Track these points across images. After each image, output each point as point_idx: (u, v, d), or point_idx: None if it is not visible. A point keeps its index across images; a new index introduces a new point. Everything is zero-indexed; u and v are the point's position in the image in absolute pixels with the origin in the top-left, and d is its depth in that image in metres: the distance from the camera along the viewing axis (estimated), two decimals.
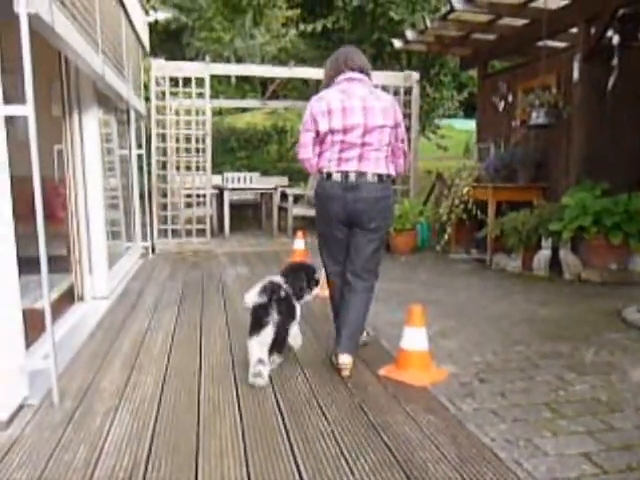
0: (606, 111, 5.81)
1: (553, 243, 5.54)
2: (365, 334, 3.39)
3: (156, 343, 3.52)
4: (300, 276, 3.21)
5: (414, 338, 2.93)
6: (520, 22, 6.53)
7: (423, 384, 2.84)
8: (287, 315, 2.97)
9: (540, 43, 6.12)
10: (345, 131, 2.95)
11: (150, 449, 2.20)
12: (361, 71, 3.08)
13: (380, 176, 3.01)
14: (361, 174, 2.97)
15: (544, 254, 5.58)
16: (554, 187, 6.17)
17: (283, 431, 2.35)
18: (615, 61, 5.56)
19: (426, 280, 5.52)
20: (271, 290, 2.95)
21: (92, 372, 3.01)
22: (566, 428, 2.40)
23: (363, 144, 2.97)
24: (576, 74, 5.79)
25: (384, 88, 7.84)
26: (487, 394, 2.75)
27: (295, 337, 3.22)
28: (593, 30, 5.61)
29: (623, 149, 5.94)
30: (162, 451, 2.18)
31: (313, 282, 3.26)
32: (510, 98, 7.08)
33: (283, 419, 2.46)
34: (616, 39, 5.46)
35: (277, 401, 2.64)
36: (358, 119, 2.94)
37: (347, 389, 2.79)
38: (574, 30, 5.98)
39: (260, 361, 2.83)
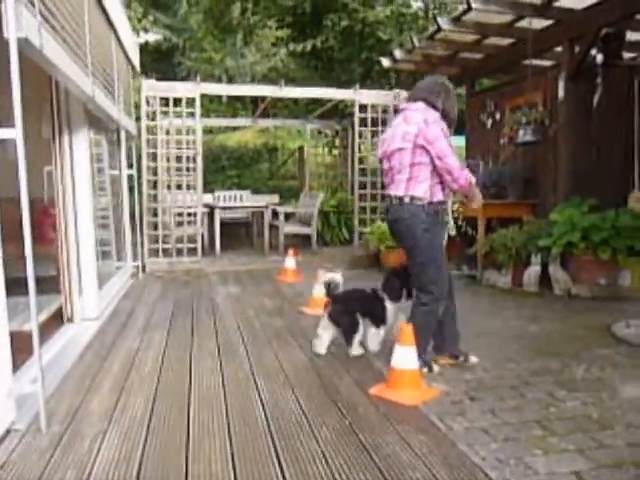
0: (592, 128, 5.91)
1: (543, 259, 5.58)
2: (425, 366, 3.27)
3: (146, 364, 3.49)
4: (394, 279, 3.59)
5: (405, 357, 2.92)
6: (506, 41, 6.65)
7: (414, 403, 2.83)
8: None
9: (526, 62, 6.22)
10: (381, 160, 3.34)
11: (139, 473, 2.17)
12: (415, 100, 3.24)
13: (400, 198, 3.18)
14: (389, 197, 3.27)
15: (534, 270, 5.61)
16: (543, 203, 6.23)
17: (273, 453, 2.33)
18: (599, 80, 5.67)
19: None
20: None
21: (81, 394, 2.98)
22: (557, 446, 2.39)
23: (390, 168, 3.25)
24: (561, 92, 5.89)
25: (373, 107, 7.94)
26: (478, 412, 2.75)
27: (372, 338, 3.58)
28: (577, 49, 5.72)
29: (609, 165, 6.02)
30: (151, 475, 2.16)
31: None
32: (498, 116, 7.18)
33: (273, 441, 2.44)
34: (600, 58, 5.58)
35: (267, 423, 2.63)
36: (385, 146, 3.28)
37: (338, 410, 2.78)
38: (559, 49, 6.09)
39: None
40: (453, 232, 3.45)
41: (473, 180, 3.18)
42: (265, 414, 2.72)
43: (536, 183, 6.44)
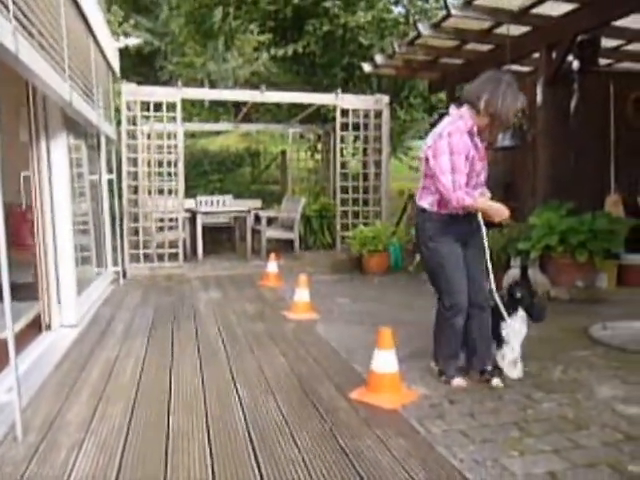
0: (569, 133, 6.00)
1: (522, 262, 5.64)
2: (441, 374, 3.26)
3: (125, 372, 3.46)
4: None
5: (384, 360, 2.94)
6: (485, 47, 6.74)
7: (394, 406, 2.85)
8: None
9: (505, 68, 6.30)
10: None
11: None
12: (461, 103, 3.14)
13: (417, 206, 3.24)
14: None
15: (513, 273, 5.67)
16: (522, 207, 6.30)
17: (253, 459, 2.32)
18: (576, 85, 5.76)
19: (399, 301, 5.56)
20: None
21: (58, 404, 2.95)
22: (533, 447, 2.43)
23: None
24: (539, 98, 5.98)
25: (355, 111, 7.98)
26: (457, 415, 2.77)
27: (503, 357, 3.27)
28: (554, 55, 5.81)
29: (586, 169, 6.13)
30: None
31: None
32: None
33: (253, 447, 2.43)
34: (576, 64, 5.67)
35: (248, 428, 2.62)
36: None
37: (318, 414, 2.78)
38: (537, 55, 6.18)
39: None
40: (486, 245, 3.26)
41: (467, 202, 2.98)
42: (245, 419, 2.71)
43: (515, 187, 6.52)
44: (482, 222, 3.16)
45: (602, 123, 6.29)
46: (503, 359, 3.23)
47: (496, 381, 3.15)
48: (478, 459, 2.32)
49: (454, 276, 3.12)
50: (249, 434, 2.56)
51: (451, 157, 2.97)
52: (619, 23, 5.51)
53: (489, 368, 3.21)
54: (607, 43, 6.14)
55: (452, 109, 3.16)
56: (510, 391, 3.07)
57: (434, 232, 3.13)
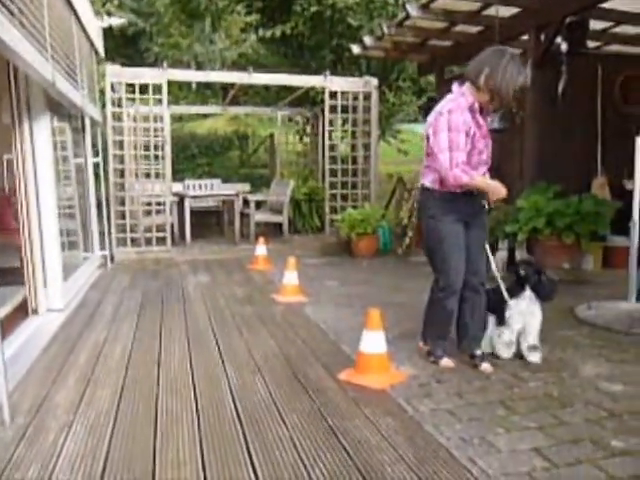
0: (557, 116, 6.01)
1: (509, 244, 5.69)
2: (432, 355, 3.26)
3: (113, 355, 3.45)
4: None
5: (373, 341, 2.96)
6: (474, 29, 6.71)
7: (382, 387, 2.87)
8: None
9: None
10: None
11: (105, 464, 2.16)
12: (463, 81, 3.07)
13: (420, 184, 3.24)
14: None
15: (501, 255, 5.71)
16: (509, 190, 6.31)
17: (242, 439, 2.34)
18: (564, 68, 5.76)
19: (388, 283, 5.58)
20: None
21: (46, 387, 2.93)
22: (519, 424, 2.46)
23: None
24: (528, 80, 5.95)
25: (344, 94, 7.92)
26: (444, 394, 2.80)
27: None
28: (543, 37, 5.80)
29: (574, 152, 6.15)
30: (117, 466, 2.15)
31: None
32: None
33: (242, 427, 2.45)
34: (564, 46, 5.66)
35: (236, 409, 2.63)
36: None
37: (307, 395, 2.80)
38: (525, 37, 6.17)
39: None
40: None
41: (464, 180, 2.95)
42: (234, 401, 2.72)
43: (503, 170, 6.52)
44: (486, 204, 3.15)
45: (590, 106, 6.30)
46: (499, 337, 3.23)
47: (485, 366, 3.14)
48: (465, 437, 2.35)
49: (451, 256, 3.10)
50: (238, 415, 2.57)
51: (449, 134, 2.94)
52: (608, 5, 5.50)
53: (478, 352, 3.21)
54: (596, 25, 6.14)
55: (454, 86, 3.10)
56: (497, 370, 3.10)
57: (435, 211, 3.11)
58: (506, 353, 3.24)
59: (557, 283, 3.29)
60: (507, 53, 2.99)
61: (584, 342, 3.61)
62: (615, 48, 6.93)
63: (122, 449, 2.27)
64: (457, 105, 2.99)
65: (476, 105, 3.03)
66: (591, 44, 6.48)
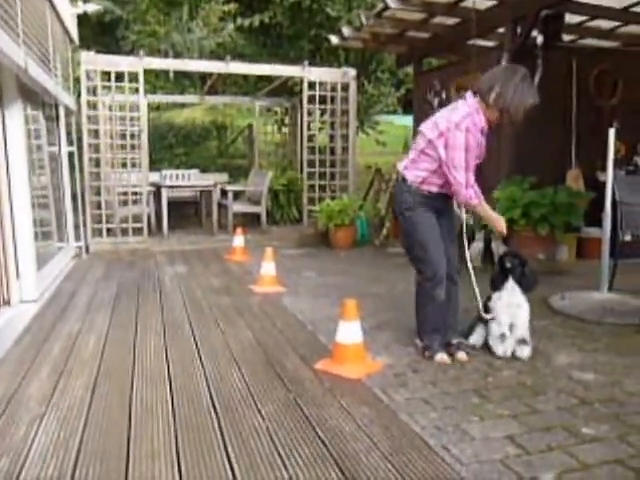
0: (532, 108, 6.05)
1: (485, 235, 5.75)
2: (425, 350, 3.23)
3: (88, 346, 3.40)
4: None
5: (349, 331, 2.96)
6: (452, 21, 6.72)
7: (358, 376, 2.88)
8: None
9: (471, 42, 6.31)
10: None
11: (77, 456, 2.13)
12: (475, 93, 3.04)
13: (400, 175, 3.19)
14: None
15: (477, 246, 5.77)
16: (486, 182, 6.38)
17: (217, 429, 2.33)
18: (539, 61, 5.81)
19: (365, 274, 5.60)
20: None
21: (17, 379, 2.88)
22: (492, 412, 2.50)
23: (414, 143, 3.24)
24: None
25: (322, 84, 7.89)
26: (419, 383, 2.83)
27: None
28: (519, 30, 5.84)
29: (549, 144, 6.22)
30: (90, 457, 2.12)
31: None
32: (444, 95, 7.27)
33: (217, 417, 2.44)
34: (540, 39, 5.71)
35: (212, 399, 2.62)
36: (423, 123, 3.17)
37: (283, 385, 2.80)
38: (502, 30, 6.20)
39: None
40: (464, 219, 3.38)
41: (474, 202, 3.06)
42: (210, 391, 2.71)
43: (480, 162, 6.58)
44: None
45: (565, 99, 6.37)
46: (490, 334, 3.23)
47: (461, 354, 3.17)
48: (439, 425, 2.38)
49: (432, 246, 3.12)
50: (213, 405, 2.56)
51: (466, 154, 2.95)
52: None
53: (454, 341, 3.24)
54: (571, 19, 6.20)
55: (468, 97, 3.04)
56: (472, 360, 3.14)
57: (412, 204, 3.13)
58: (500, 349, 3.16)
59: (537, 275, 3.31)
60: (519, 72, 3.00)
61: (558, 332, 3.67)
62: (590, 42, 7.01)
63: (95, 441, 2.25)
64: (473, 124, 2.97)
65: (486, 126, 3.05)
66: (566, 38, 6.57)
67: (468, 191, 3.02)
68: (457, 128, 2.94)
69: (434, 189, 3.12)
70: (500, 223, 3.15)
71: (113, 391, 2.73)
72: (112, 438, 2.27)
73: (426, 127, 3.10)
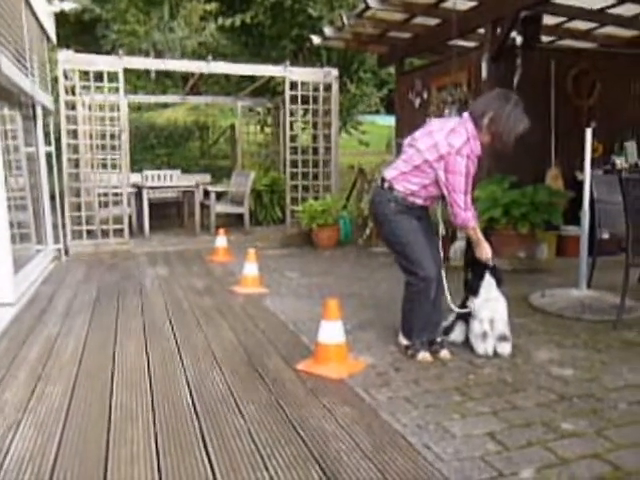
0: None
1: (467, 235, 5.78)
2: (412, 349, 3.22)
3: (66, 350, 3.36)
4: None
5: (331, 331, 2.96)
6: (433, 22, 6.75)
7: (340, 376, 2.88)
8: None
9: (451, 42, 6.35)
10: (406, 142, 3.32)
11: (55, 462, 2.10)
12: (470, 114, 3.08)
13: (383, 179, 3.21)
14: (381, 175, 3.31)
15: (459, 245, 5.80)
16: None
17: (198, 432, 2.31)
18: (519, 61, 5.87)
19: (348, 274, 5.60)
20: None
21: None
22: (473, 410, 2.51)
23: (402, 153, 3.26)
24: (484, 73, 6.06)
25: (304, 84, 7.88)
26: (402, 382, 2.83)
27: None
28: (498, 31, 5.89)
29: (528, 144, 6.24)
30: (68, 463, 2.09)
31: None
32: (425, 95, 7.31)
33: (198, 419, 2.42)
34: (519, 40, 5.77)
35: (193, 401, 2.60)
36: (416, 136, 3.22)
37: (265, 386, 2.78)
38: (482, 31, 6.25)
39: None
40: (443, 232, 3.43)
41: (472, 224, 3.12)
42: (191, 394, 2.69)
43: None
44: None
45: (543, 99, 6.44)
46: (471, 332, 3.24)
47: (444, 352, 3.18)
48: (421, 423, 2.38)
49: (421, 248, 3.14)
50: (194, 407, 2.54)
51: (466, 179, 2.99)
52: (560, 0, 5.64)
53: (438, 339, 3.26)
54: (549, 20, 6.28)
55: (466, 119, 3.06)
56: (454, 358, 3.16)
57: (397, 210, 3.15)
58: (482, 347, 3.17)
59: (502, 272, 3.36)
60: (512, 99, 3.05)
61: (538, 329, 3.71)
62: (568, 43, 7.10)
63: (73, 446, 2.21)
64: (471, 150, 3.01)
65: (480, 155, 3.08)
66: (545, 39, 6.65)
67: (467, 214, 3.06)
68: (458, 154, 2.97)
69: (419, 201, 3.17)
70: (487, 251, 3.21)
71: (92, 395, 2.70)
72: (91, 442, 2.24)
73: (425, 146, 3.07)
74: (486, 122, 3.00)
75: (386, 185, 3.18)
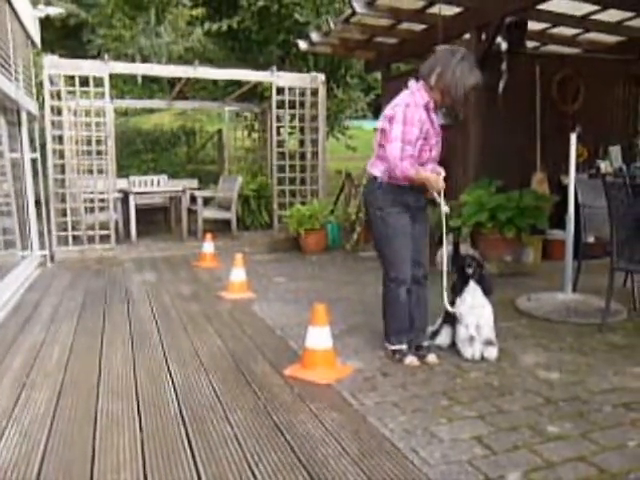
0: (498, 113, 6.18)
1: (454, 239, 5.80)
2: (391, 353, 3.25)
3: (51, 357, 3.32)
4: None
5: (318, 337, 2.96)
6: (419, 27, 6.80)
7: (328, 381, 2.88)
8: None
9: (437, 47, 6.38)
10: None
11: (40, 470, 2.07)
12: (417, 79, 3.08)
13: (368, 174, 3.24)
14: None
15: (446, 250, 5.83)
16: (453, 185, 6.46)
17: (185, 439, 2.29)
18: (504, 66, 5.93)
19: (336, 278, 5.61)
20: None
21: None
22: (460, 414, 2.52)
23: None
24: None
25: (291, 89, 7.89)
26: (389, 387, 2.84)
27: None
28: (484, 37, 5.94)
29: (514, 148, 6.34)
30: (53, 472, 2.07)
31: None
32: None
33: (185, 427, 2.40)
34: (504, 45, 5.83)
35: (180, 408, 2.58)
36: None
37: (252, 391, 2.77)
38: (467, 36, 6.30)
39: None
40: (447, 209, 3.24)
41: (411, 172, 2.98)
42: (177, 400, 2.67)
43: (447, 166, 6.66)
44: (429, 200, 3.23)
45: (529, 104, 6.51)
46: (458, 337, 3.24)
47: (432, 357, 3.19)
48: (408, 428, 2.39)
49: (399, 248, 3.14)
50: (181, 414, 2.52)
51: (404, 127, 2.97)
52: (545, 7, 5.70)
53: (425, 344, 3.27)
54: (534, 26, 6.34)
55: (411, 82, 3.12)
56: (441, 362, 3.16)
57: (383, 202, 3.13)
58: (469, 351, 3.18)
59: (493, 281, 3.35)
60: (459, 53, 3.03)
61: (524, 332, 3.74)
62: (553, 48, 7.18)
63: (58, 454, 2.19)
64: (414, 101, 3.03)
65: (431, 104, 3.07)
66: (530, 44, 6.72)
67: (402, 162, 2.97)
68: (397, 106, 3.03)
69: (400, 180, 3.10)
70: (437, 182, 3.08)
71: (78, 403, 2.67)
72: (76, 451, 2.21)
73: (379, 121, 3.16)
74: (434, 79, 2.99)
75: (369, 176, 3.22)
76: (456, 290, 3.28)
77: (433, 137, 3.11)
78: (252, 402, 2.65)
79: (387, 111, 3.10)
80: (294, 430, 2.36)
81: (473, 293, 3.22)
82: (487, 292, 3.25)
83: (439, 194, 3.15)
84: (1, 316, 4.22)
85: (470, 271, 3.24)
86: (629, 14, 6.09)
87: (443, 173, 3.21)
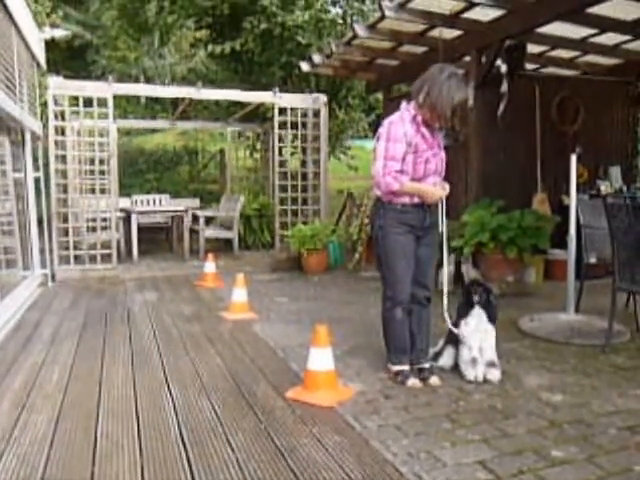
0: (499, 134, 6.23)
1: (456, 258, 5.81)
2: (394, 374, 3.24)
3: (51, 378, 3.30)
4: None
5: (320, 358, 2.94)
6: (420, 49, 6.88)
7: (330, 404, 2.85)
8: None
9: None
10: None
11: None
12: (410, 99, 3.11)
13: (374, 194, 3.28)
14: None
15: (448, 270, 5.82)
16: (455, 205, 6.48)
17: (185, 463, 2.27)
18: (504, 88, 5.99)
19: (338, 299, 5.59)
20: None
21: None
22: (464, 437, 2.49)
23: None
24: (471, 100, 6.15)
25: (293, 110, 7.97)
26: (392, 410, 2.81)
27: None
28: (484, 59, 6.01)
29: (515, 169, 6.38)
30: None
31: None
32: None
33: (186, 450, 2.37)
34: (504, 68, 5.90)
35: (180, 431, 2.56)
36: None
37: (254, 414, 2.75)
38: (468, 58, 6.38)
39: None
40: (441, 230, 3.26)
41: (395, 187, 3.00)
42: (178, 422, 2.65)
43: (450, 186, 6.69)
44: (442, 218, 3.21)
45: (529, 125, 6.55)
46: (461, 358, 3.23)
47: (434, 379, 3.16)
48: (411, 452, 2.36)
49: (397, 268, 3.13)
50: (181, 437, 2.49)
51: (387, 144, 3.02)
52: (543, 30, 5.78)
53: (427, 365, 3.25)
54: (533, 49, 6.43)
55: (403, 104, 3.16)
56: (444, 384, 3.14)
57: (385, 222, 3.15)
58: (472, 373, 3.16)
59: (497, 306, 3.33)
60: (446, 70, 3.04)
61: (527, 353, 3.71)
62: (552, 70, 7.26)
63: (57, 478, 2.16)
64: (399, 118, 3.09)
65: (419, 118, 3.07)
66: (529, 66, 6.79)
67: (385, 178, 3.01)
68: (382, 125, 3.12)
69: (406, 200, 3.10)
70: (432, 193, 3.10)
71: (77, 425, 2.64)
72: (75, 475, 2.19)
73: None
74: (422, 97, 3.01)
75: (375, 197, 3.26)
76: (461, 313, 3.26)
77: (427, 150, 3.09)
78: (253, 425, 2.63)
79: (379, 131, 3.17)
80: (296, 454, 2.33)
81: (478, 318, 3.21)
82: (492, 319, 3.24)
83: (441, 210, 3.17)
84: (2, 335, 4.21)
85: (477, 298, 3.22)
86: (626, 37, 6.17)
87: (447, 187, 3.23)
